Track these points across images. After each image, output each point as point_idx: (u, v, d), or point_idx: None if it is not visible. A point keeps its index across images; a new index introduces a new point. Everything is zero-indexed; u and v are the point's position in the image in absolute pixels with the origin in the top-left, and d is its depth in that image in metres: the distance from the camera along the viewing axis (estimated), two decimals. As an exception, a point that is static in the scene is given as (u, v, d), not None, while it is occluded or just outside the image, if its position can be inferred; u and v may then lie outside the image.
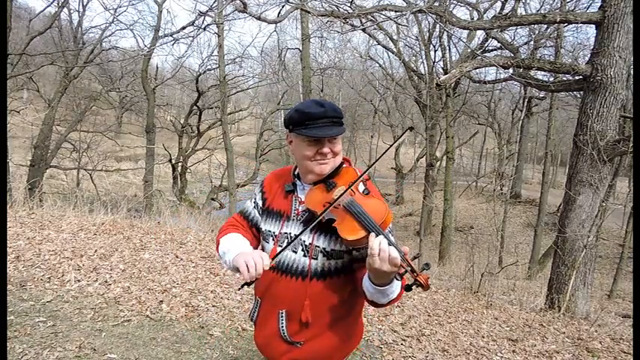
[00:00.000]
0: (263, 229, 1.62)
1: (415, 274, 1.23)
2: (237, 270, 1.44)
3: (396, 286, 1.35)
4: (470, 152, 32.82)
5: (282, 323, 1.53)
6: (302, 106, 1.47)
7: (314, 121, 1.44)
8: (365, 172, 1.47)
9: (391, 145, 1.58)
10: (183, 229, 6.56)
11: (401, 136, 1.57)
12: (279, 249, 1.50)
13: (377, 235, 1.29)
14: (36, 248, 4.50)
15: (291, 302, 1.51)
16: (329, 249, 1.47)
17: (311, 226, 1.44)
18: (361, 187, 1.50)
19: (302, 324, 1.51)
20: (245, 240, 1.60)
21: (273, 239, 1.56)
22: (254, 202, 1.69)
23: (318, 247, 1.47)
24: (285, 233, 1.54)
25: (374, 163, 1.57)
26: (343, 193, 1.40)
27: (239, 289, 1.64)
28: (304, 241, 1.49)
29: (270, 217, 1.60)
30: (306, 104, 1.48)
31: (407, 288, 1.27)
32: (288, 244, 1.47)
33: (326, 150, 1.47)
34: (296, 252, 1.51)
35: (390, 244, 1.25)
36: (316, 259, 1.48)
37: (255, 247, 1.64)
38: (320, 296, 1.50)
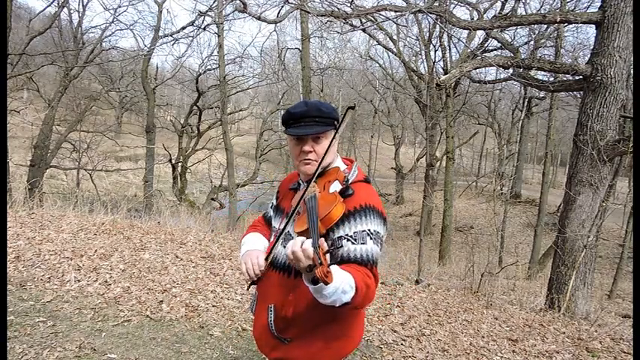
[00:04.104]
0: (272, 226, 1.73)
1: (322, 268, 1.17)
2: None
3: (342, 290, 1.28)
4: (470, 152, 32.85)
5: (271, 317, 1.56)
6: (290, 107, 1.55)
7: (297, 120, 1.50)
8: (317, 170, 1.46)
9: (339, 126, 1.51)
10: (183, 229, 6.56)
11: (343, 117, 1.48)
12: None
13: (308, 229, 1.29)
14: (36, 248, 4.50)
15: (279, 297, 1.54)
16: None
17: (286, 222, 1.52)
18: (335, 186, 1.49)
19: (286, 319, 1.52)
20: (260, 237, 1.73)
21: (275, 234, 1.65)
22: (272, 203, 1.83)
23: None
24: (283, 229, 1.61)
25: (322, 159, 1.47)
26: (306, 189, 1.44)
27: (247, 288, 1.75)
28: (292, 237, 1.52)
29: (277, 215, 1.70)
30: (294, 104, 1.55)
31: (313, 281, 1.24)
32: (277, 239, 1.54)
33: (307, 148, 1.50)
34: (285, 247, 1.54)
35: (312, 239, 1.22)
36: None
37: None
38: (305, 293, 1.47)
